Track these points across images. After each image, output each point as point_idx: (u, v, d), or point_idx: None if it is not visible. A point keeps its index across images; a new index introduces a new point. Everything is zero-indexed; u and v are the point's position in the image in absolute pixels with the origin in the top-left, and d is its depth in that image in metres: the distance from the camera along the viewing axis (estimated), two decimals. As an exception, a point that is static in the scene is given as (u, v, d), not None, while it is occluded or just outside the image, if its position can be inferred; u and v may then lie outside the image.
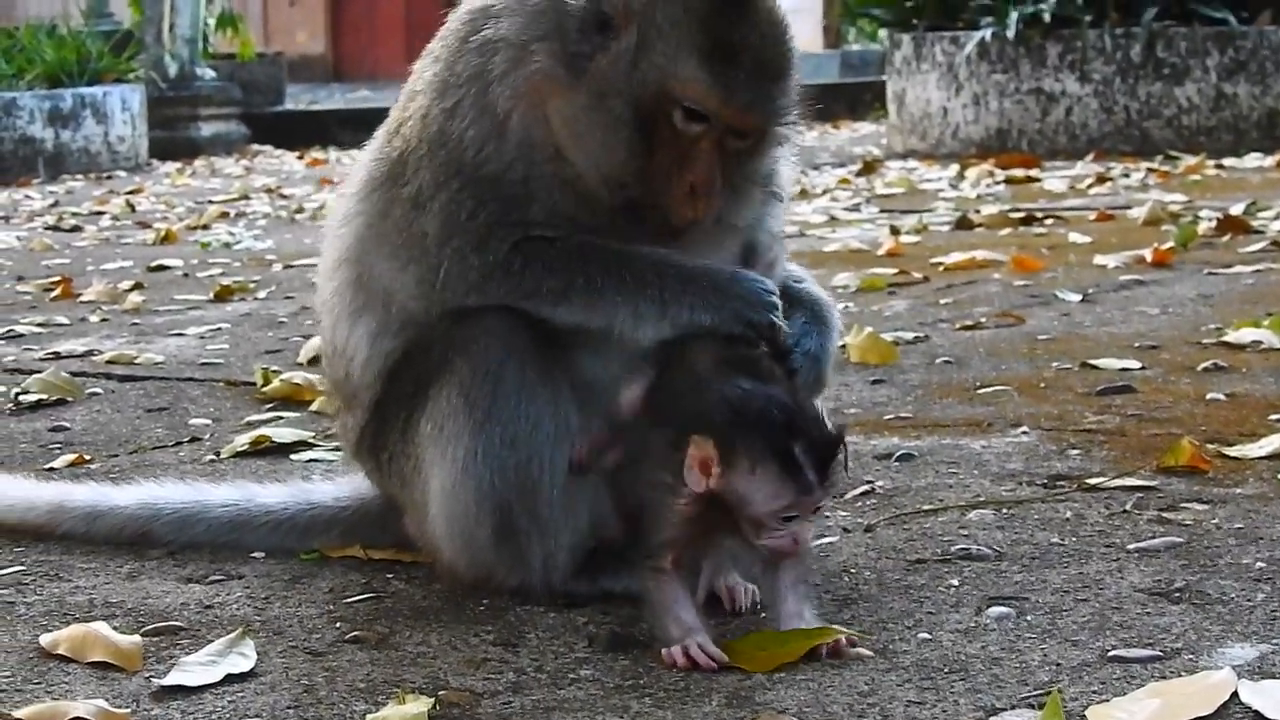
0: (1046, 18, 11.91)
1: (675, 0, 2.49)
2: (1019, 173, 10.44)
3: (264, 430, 3.84)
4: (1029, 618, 2.48)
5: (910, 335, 4.85)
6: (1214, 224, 7.11)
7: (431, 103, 2.63)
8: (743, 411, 2.35)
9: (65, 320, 6.07)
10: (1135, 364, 4.26)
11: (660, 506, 2.42)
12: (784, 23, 2.55)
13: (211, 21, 19.64)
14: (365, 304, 2.71)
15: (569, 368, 2.58)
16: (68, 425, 4.13)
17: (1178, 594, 2.55)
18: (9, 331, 5.81)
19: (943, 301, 5.54)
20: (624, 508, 2.58)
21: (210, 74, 18.69)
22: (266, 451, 3.72)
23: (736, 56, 2.47)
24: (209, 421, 4.13)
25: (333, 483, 3.08)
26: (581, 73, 2.51)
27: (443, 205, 2.59)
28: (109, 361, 5.05)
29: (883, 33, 14.85)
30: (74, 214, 11.15)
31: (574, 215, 2.57)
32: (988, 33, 12.03)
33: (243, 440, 3.77)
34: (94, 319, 6.10)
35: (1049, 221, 7.81)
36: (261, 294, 6.63)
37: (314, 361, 4.79)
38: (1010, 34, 11.92)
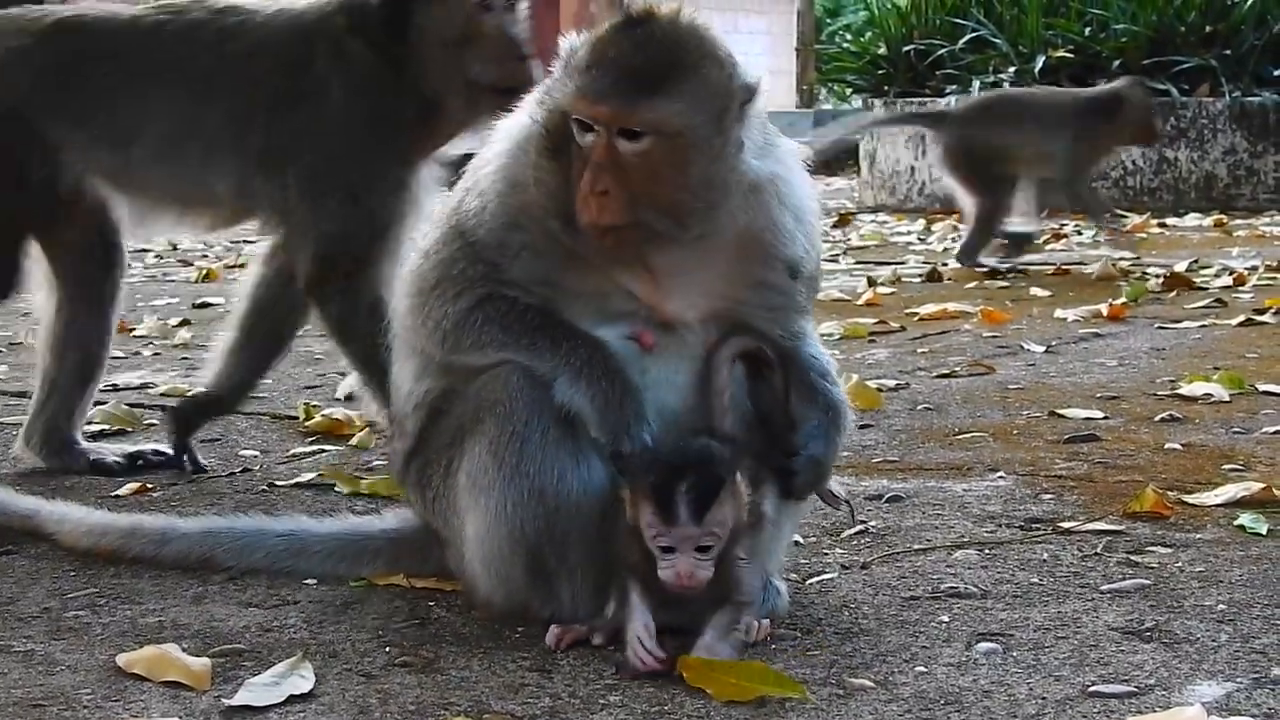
0: (1005, 86, 11.97)
1: (586, 39, 2.53)
2: (980, 228, 10.42)
3: (309, 462, 3.84)
4: (1015, 653, 2.48)
5: (892, 382, 4.84)
6: (1161, 280, 7.13)
7: (459, 183, 2.74)
8: (654, 460, 2.47)
9: (121, 353, 6.02)
10: (1099, 414, 4.26)
11: (629, 541, 2.49)
12: (682, 43, 2.48)
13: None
14: (411, 350, 2.76)
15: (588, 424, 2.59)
16: (129, 454, 4.12)
17: (1149, 633, 2.56)
18: (71, 364, 5.77)
19: (919, 350, 5.53)
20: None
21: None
22: (313, 484, 3.71)
23: (604, 62, 2.48)
24: (257, 453, 4.13)
25: (379, 516, 3.09)
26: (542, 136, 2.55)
27: (443, 259, 2.66)
28: (163, 394, 5.03)
29: (856, 99, 14.89)
30: (121, 251, 11.10)
31: (548, 278, 2.60)
32: (952, 99, 12.09)
33: (291, 471, 3.77)
34: (147, 353, 6.09)
35: (1011, 275, 7.81)
36: (298, 332, 6.57)
37: (350, 398, 4.78)
38: (973, 101, 11.98)
